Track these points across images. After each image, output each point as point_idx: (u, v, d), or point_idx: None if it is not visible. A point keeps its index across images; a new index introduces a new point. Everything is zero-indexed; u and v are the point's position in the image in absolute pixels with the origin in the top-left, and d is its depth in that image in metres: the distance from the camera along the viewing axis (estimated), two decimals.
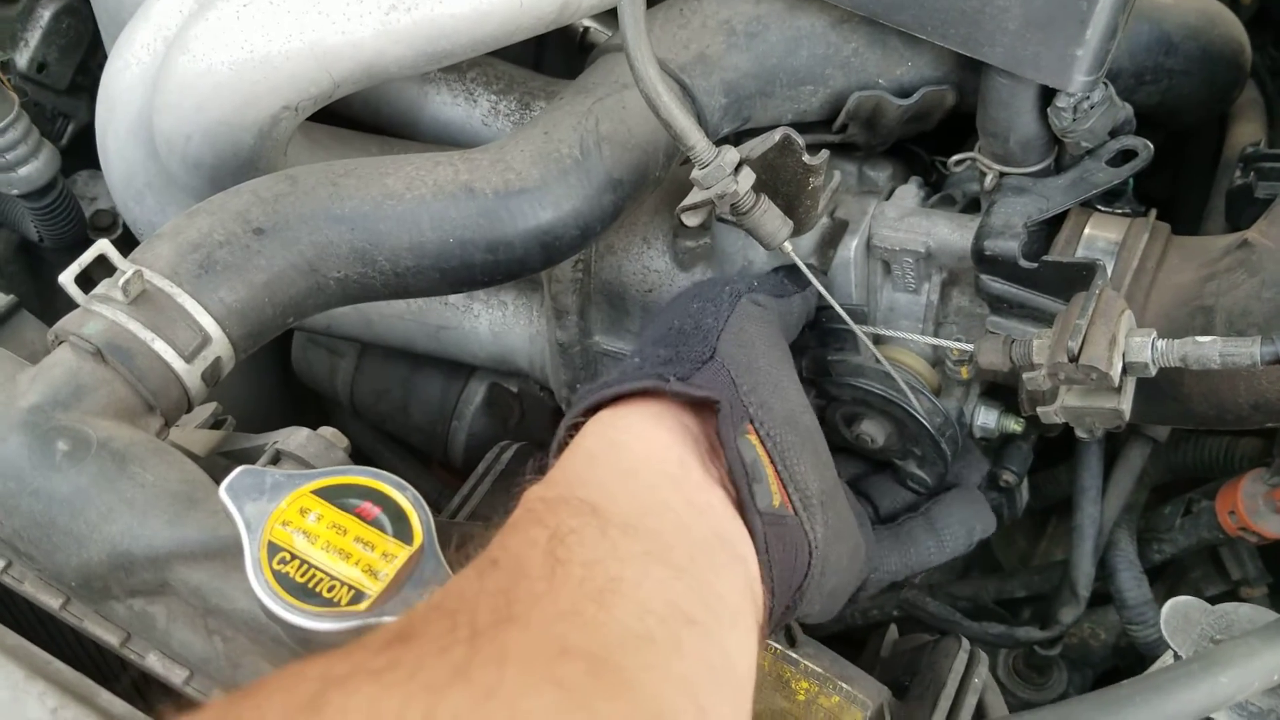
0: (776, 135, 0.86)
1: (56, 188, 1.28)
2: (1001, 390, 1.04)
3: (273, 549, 0.66)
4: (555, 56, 1.35)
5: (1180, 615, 0.87)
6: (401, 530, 0.68)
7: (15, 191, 1.26)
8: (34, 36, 1.37)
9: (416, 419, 1.34)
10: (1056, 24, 0.87)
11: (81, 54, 1.41)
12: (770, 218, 0.88)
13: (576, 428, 0.75)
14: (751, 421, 0.73)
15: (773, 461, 0.73)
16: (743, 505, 0.71)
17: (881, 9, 0.95)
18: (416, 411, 1.33)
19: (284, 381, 1.48)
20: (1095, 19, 0.86)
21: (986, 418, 1.03)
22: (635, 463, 0.71)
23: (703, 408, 0.76)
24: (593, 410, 0.76)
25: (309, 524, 0.67)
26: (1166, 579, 1.26)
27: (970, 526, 0.96)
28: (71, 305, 0.81)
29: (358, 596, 0.65)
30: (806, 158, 0.87)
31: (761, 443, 0.73)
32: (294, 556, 0.66)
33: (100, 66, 1.10)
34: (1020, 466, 1.07)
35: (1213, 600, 0.91)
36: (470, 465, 1.10)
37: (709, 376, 0.75)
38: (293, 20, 0.93)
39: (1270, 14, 1.30)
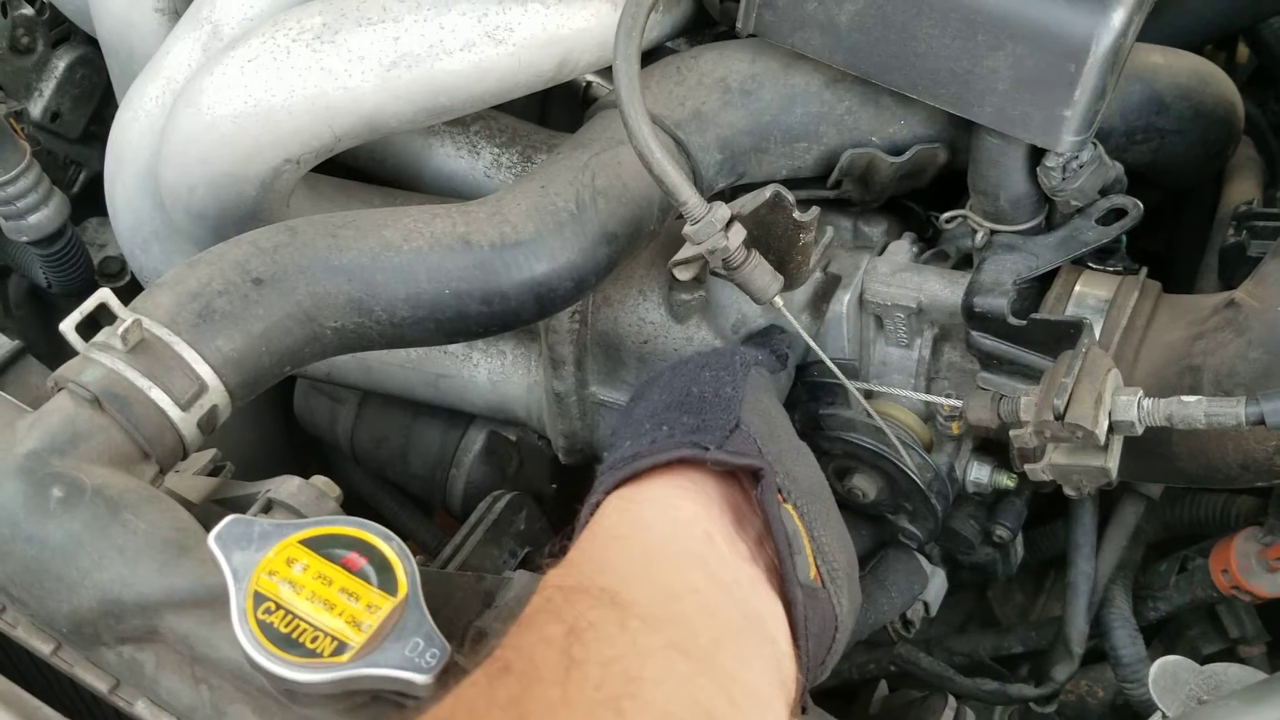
0: (767, 192, 0.87)
1: (65, 235, 1.30)
2: (994, 445, 1.04)
3: (258, 599, 0.67)
4: (560, 111, 1.37)
5: (1169, 675, 0.86)
6: (386, 581, 0.68)
7: (25, 238, 1.28)
8: (48, 86, 1.40)
9: (415, 467, 1.34)
10: (1045, 85, 0.89)
11: (95, 104, 1.44)
12: (760, 273, 0.89)
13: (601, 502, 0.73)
14: (780, 491, 0.71)
15: (807, 532, 0.71)
16: (785, 578, 0.69)
17: (874, 69, 0.96)
18: (416, 459, 1.34)
19: (287, 428, 1.49)
20: (1083, 80, 0.87)
21: (979, 473, 1.03)
22: (658, 542, 0.68)
23: (728, 477, 0.74)
24: (622, 483, 0.73)
25: (295, 574, 0.68)
26: (1165, 637, 1.25)
27: (912, 581, 0.99)
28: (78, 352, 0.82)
29: (341, 648, 0.65)
30: (797, 214, 0.88)
31: (795, 511, 0.71)
32: (279, 607, 0.66)
33: (113, 116, 1.12)
34: (1014, 522, 1.06)
35: (1211, 658, 0.90)
36: (469, 513, 1.11)
37: (738, 445, 0.73)
38: (295, 75, 0.95)
39: (1271, 71, 1.31)
